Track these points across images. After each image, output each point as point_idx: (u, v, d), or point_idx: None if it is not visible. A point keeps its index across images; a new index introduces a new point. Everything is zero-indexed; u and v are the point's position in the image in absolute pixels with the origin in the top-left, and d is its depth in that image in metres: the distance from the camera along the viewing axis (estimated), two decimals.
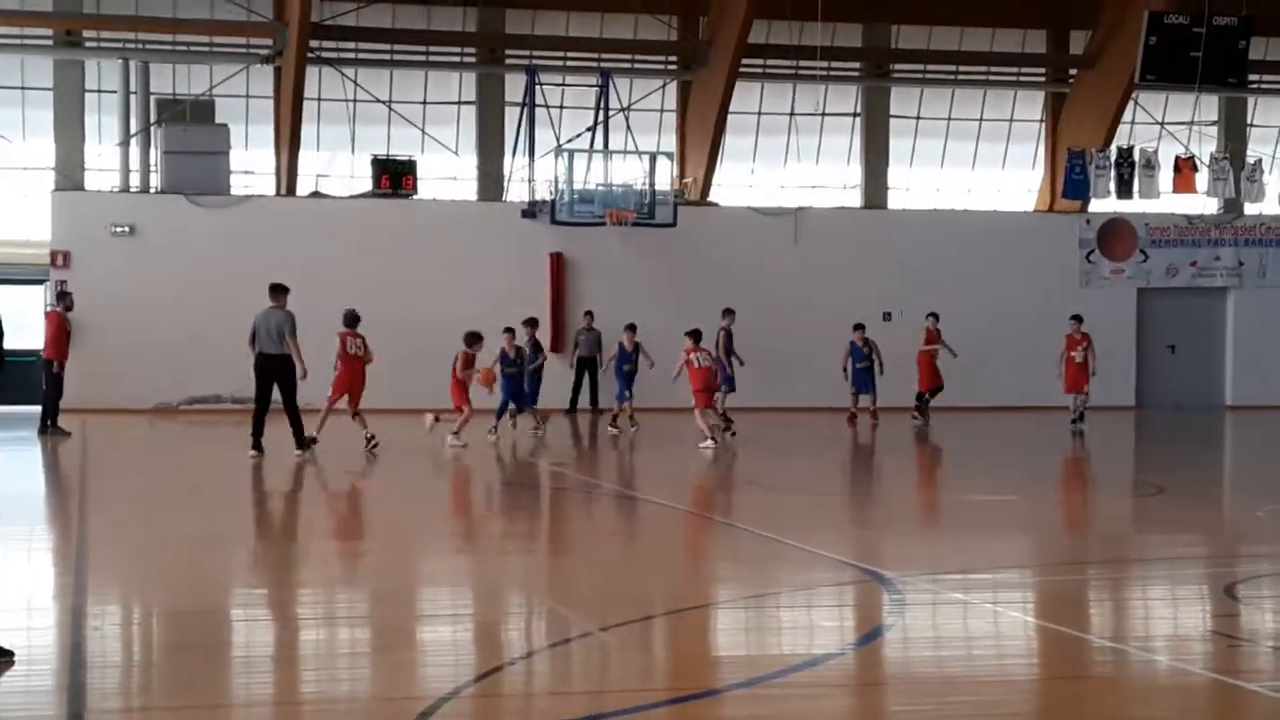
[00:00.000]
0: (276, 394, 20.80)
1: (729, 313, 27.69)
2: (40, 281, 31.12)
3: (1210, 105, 36.74)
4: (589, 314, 30.76)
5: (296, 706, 7.81)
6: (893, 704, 7.91)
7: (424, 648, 9.26)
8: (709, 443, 22.48)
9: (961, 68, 36.13)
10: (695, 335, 23.98)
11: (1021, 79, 36.68)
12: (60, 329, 25.14)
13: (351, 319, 22.50)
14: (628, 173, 31.84)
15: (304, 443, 20.64)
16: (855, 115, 35.96)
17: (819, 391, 30.70)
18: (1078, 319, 27.71)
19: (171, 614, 10.18)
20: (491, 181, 33.84)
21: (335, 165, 33.80)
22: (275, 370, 20.70)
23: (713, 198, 34.34)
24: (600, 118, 32.93)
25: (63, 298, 26.38)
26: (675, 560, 13.05)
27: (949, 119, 36.32)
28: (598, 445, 24.83)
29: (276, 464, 20.54)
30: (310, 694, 8.14)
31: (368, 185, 32.49)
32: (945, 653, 9.19)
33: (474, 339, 23.79)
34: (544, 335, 31.64)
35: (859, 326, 28.11)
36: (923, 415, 28.99)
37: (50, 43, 32.62)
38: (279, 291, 21.21)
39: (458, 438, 22.74)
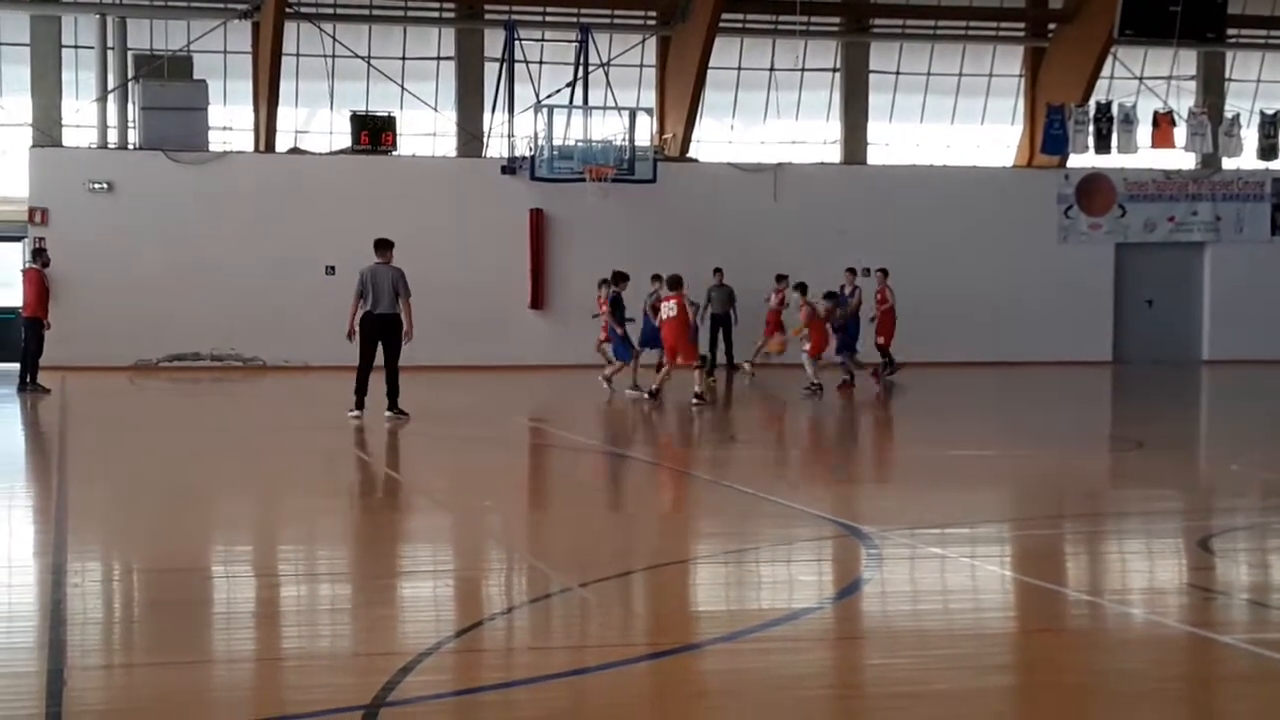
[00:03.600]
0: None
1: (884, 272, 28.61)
2: (18, 239, 31.01)
3: (1189, 60, 36.76)
4: (719, 270, 30.20)
5: (277, 662, 7.84)
6: (871, 657, 7.96)
7: (404, 603, 9.29)
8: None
9: (940, 22, 36.08)
10: (801, 287, 25.80)
11: (1000, 33, 36.64)
12: (41, 286, 25.07)
13: None
14: (607, 129, 31.79)
15: (397, 404, 19.90)
16: (835, 70, 35.90)
17: (798, 347, 30.71)
18: (883, 272, 28.70)
19: (152, 570, 10.20)
20: (471, 138, 33.75)
21: (314, 122, 33.70)
22: (387, 330, 19.65)
23: (692, 154, 34.30)
24: (580, 73, 32.85)
25: (39, 255, 26.29)
26: (655, 516, 13.09)
27: (928, 74, 36.29)
28: (574, 403, 24.84)
29: (258, 421, 20.55)
30: (291, 649, 8.16)
31: (347, 142, 32.41)
32: (923, 606, 9.25)
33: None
34: (524, 292, 31.73)
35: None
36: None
37: None
38: (385, 246, 20.07)
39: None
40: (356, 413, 19.78)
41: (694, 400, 22.55)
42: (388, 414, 19.87)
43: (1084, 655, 7.89)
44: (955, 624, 8.69)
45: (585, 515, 12.93)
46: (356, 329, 19.75)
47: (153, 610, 9.05)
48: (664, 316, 23.04)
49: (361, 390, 19.89)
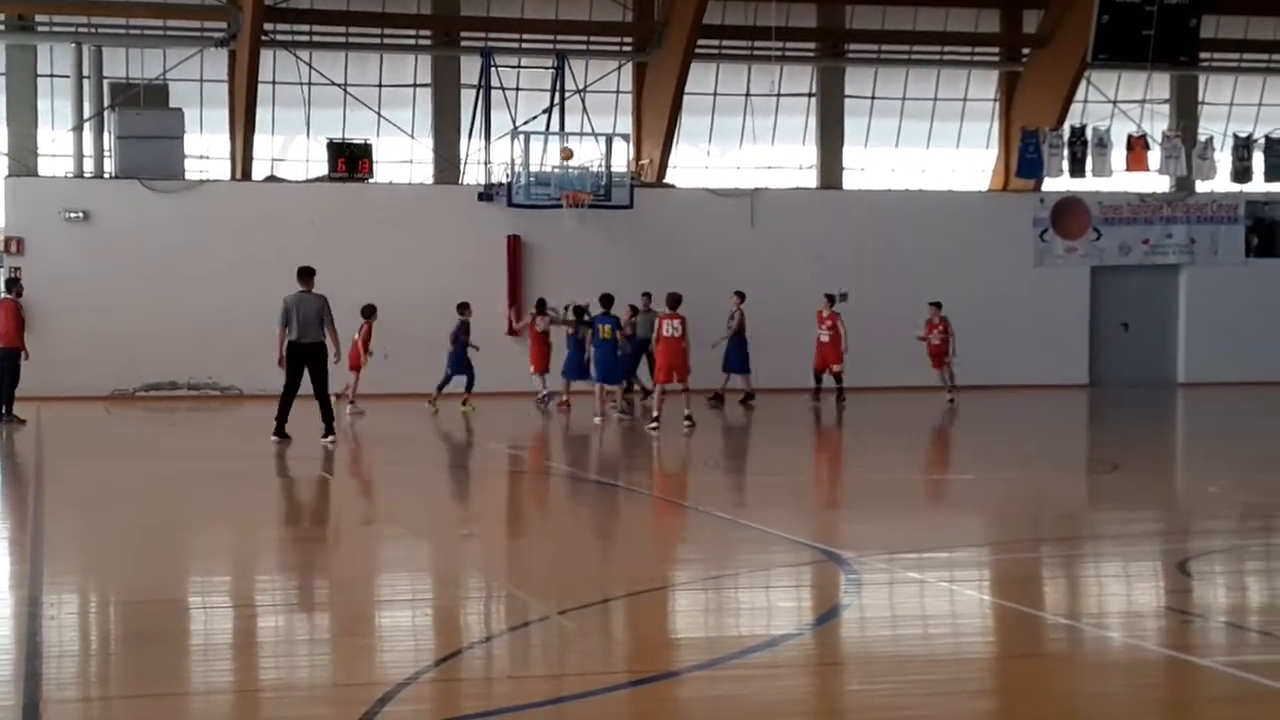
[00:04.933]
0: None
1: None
2: None
3: (1162, 83, 36.92)
4: (647, 295, 30.02)
5: (255, 694, 7.81)
6: (850, 683, 7.96)
7: (382, 633, 9.27)
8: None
9: (915, 47, 36.20)
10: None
11: (975, 58, 36.79)
12: (17, 316, 24.99)
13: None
14: (584, 155, 31.77)
15: (333, 429, 20.27)
16: (810, 96, 36.00)
17: (775, 372, 30.70)
18: (829, 298, 28.98)
19: (128, 602, 10.15)
20: (448, 164, 33.75)
21: (291, 149, 33.65)
22: (313, 357, 20.06)
23: (669, 179, 34.35)
24: (556, 100, 32.86)
25: (13, 285, 26.19)
26: (633, 543, 13.08)
27: (903, 99, 36.40)
28: (552, 429, 24.82)
29: (234, 450, 20.50)
30: (269, 681, 8.13)
31: (324, 169, 32.36)
32: (902, 632, 9.26)
33: (371, 311, 25.91)
34: (501, 318, 31.67)
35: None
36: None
37: (2, 27, 32.36)
38: (308, 275, 20.44)
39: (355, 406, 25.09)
40: (276, 439, 20.08)
41: (685, 423, 22.69)
42: (328, 440, 20.07)
43: (1063, 679, 7.90)
44: (935, 649, 8.69)
45: (563, 542, 12.91)
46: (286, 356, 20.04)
47: (129, 642, 9.00)
48: (665, 335, 23.01)
49: (283, 417, 20.30)
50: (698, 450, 21.02)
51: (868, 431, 24.66)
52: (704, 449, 21.20)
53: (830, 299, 28.95)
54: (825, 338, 28.64)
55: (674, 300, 23.35)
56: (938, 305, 29.43)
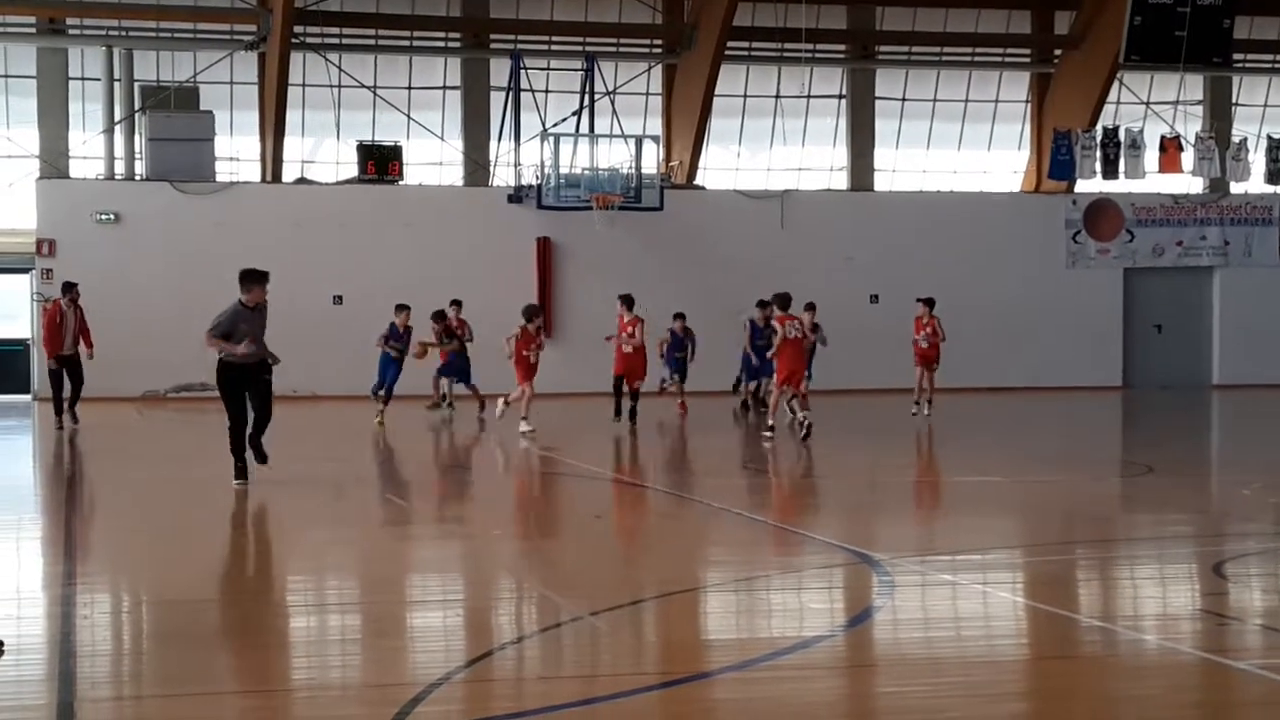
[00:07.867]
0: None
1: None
2: (26, 270, 31.01)
3: (1195, 84, 36.74)
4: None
5: (287, 693, 7.80)
6: (883, 685, 7.92)
7: (414, 634, 9.26)
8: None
9: (946, 49, 36.09)
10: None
11: (1006, 60, 36.66)
12: (55, 321, 25.00)
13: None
14: (614, 157, 31.78)
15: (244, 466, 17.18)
16: (841, 97, 35.92)
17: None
18: (624, 300, 25.33)
19: (161, 602, 10.17)
20: (477, 167, 33.77)
21: (321, 151, 33.70)
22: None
23: (699, 181, 34.31)
24: (586, 102, 32.87)
25: (69, 288, 25.73)
26: (665, 544, 13.04)
27: (934, 100, 36.29)
28: (584, 431, 24.81)
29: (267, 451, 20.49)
30: (301, 680, 8.13)
31: (353, 171, 32.41)
32: (935, 634, 9.21)
33: (534, 313, 23.56)
34: None
35: (679, 316, 27.25)
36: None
37: (34, 30, 32.48)
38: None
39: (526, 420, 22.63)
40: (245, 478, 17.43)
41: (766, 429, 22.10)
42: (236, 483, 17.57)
43: (1097, 682, 7.85)
44: (968, 651, 8.64)
45: (595, 543, 12.89)
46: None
47: (162, 641, 9.02)
48: (790, 336, 21.97)
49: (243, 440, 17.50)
50: (733, 454, 20.96)
51: (897, 435, 24.56)
52: (733, 452, 21.14)
53: (627, 302, 25.03)
54: (627, 347, 24.72)
55: (784, 300, 22.05)
56: (929, 303, 26.78)
